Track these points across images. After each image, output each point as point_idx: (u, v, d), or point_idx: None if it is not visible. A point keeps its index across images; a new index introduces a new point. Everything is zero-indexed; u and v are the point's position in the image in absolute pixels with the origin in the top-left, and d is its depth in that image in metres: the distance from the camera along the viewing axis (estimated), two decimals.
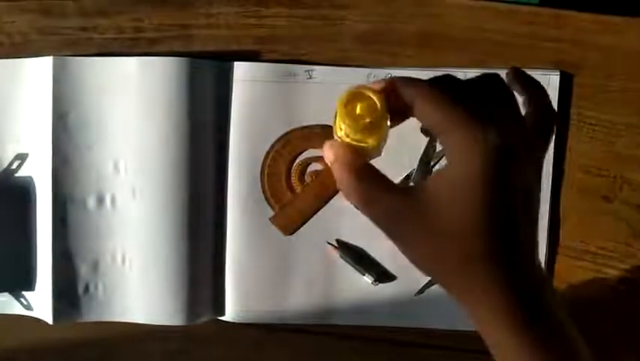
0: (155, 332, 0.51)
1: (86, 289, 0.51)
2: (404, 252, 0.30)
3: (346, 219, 0.51)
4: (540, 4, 0.50)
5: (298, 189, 0.51)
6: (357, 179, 0.29)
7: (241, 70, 0.51)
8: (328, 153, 0.31)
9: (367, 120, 0.30)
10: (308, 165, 0.51)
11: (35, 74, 0.50)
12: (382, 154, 0.34)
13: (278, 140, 0.51)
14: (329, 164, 0.31)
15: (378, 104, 0.30)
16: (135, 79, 0.49)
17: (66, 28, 0.51)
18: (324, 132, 0.51)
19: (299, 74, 0.51)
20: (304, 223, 0.51)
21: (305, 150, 0.51)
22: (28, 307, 0.52)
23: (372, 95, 0.30)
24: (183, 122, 0.49)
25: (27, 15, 0.51)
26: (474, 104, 0.27)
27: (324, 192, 0.51)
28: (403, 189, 0.29)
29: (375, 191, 0.29)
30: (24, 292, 0.52)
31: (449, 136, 0.27)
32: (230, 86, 0.51)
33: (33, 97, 0.51)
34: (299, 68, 0.50)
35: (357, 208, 0.31)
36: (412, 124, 0.32)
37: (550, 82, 0.50)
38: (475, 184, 0.26)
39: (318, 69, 0.51)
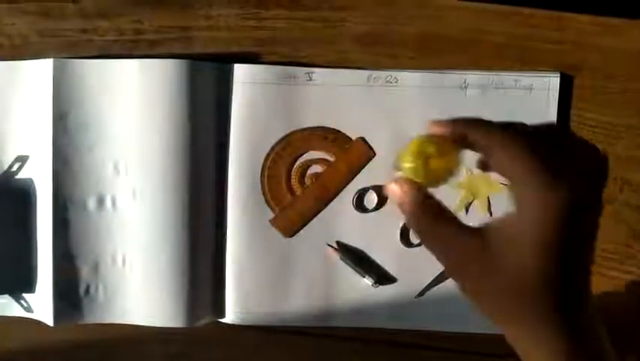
0: (156, 334, 0.51)
1: (87, 290, 0.51)
2: (465, 290, 0.30)
3: (346, 221, 0.51)
4: (540, 6, 0.50)
5: (298, 191, 0.51)
6: (431, 217, 0.30)
7: (241, 72, 0.51)
8: (395, 191, 0.30)
9: (441, 178, 0.30)
10: (308, 167, 0.51)
11: (36, 76, 0.50)
12: None
13: (278, 142, 0.51)
14: (395, 201, 0.30)
15: (456, 165, 0.30)
16: (135, 81, 0.49)
17: (66, 30, 0.51)
18: (325, 134, 0.51)
19: (299, 76, 0.51)
20: (304, 225, 0.51)
21: (305, 152, 0.51)
22: (28, 309, 0.52)
23: (451, 153, 0.30)
24: (183, 124, 0.49)
25: (27, 17, 0.51)
26: (547, 155, 0.28)
27: (324, 194, 0.51)
28: (471, 229, 0.29)
29: (445, 228, 0.29)
30: (24, 294, 0.52)
31: (524, 186, 0.27)
32: (230, 88, 0.51)
33: (33, 99, 0.51)
34: (299, 70, 0.50)
35: (424, 243, 0.31)
36: None
37: (550, 83, 0.50)
38: (546, 233, 0.27)
39: (318, 71, 0.51)
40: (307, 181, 0.51)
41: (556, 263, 0.27)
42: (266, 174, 0.51)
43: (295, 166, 0.51)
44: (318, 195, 0.51)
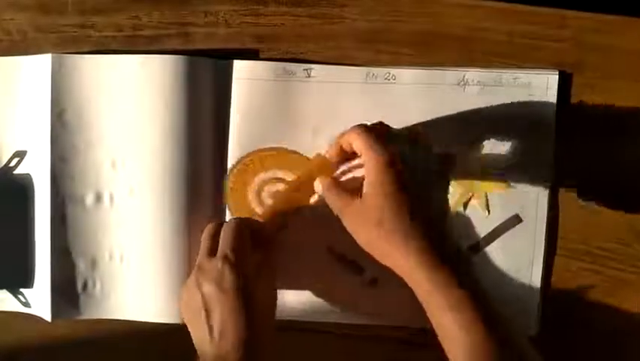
0: (153, 330, 0.51)
1: (84, 286, 0.51)
2: (354, 233, 0.45)
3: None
4: (540, 3, 0.50)
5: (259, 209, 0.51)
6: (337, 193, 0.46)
7: (240, 68, 0.50)
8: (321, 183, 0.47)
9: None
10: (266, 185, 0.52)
11: (34, 71, 0.50)
12: None
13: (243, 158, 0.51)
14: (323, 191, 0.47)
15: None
16: (134, 77, 0.49)
17: (65, 25, 0.51)
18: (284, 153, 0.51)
19: (298, 73, 0.51)
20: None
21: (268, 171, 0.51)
22: (26, 304, 0.52)
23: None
24: (181, 121, 0.49)
25: (26, 12, 0.51)
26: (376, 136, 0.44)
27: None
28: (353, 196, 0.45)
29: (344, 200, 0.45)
30: (22, 289, 0.52)
31: (368, 155, 0.43)
32: (229, 85, 0.51)
33: (31, 95, 0.51)
34: (298, 67, 0.50)
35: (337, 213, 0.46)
36: None
37: (549, 81, 0.50)
38: (383, 176, 0.43)
39: (317, 68, 0.50)
40: (267, 200, 0.51)
41: (398, 193, 0.42)
42: (230, 189, 0.51)
43: (255, 184, 0.51)
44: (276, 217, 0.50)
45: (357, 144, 0.43)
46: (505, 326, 0.41)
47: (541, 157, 0.51)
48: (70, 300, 0.51)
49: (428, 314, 0.43)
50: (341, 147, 0.45)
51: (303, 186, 0.48)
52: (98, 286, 0.51)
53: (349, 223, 0.45)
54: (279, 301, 0.48)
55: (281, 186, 0.51)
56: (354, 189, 0.45)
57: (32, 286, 0.52)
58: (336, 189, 0.46)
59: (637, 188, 0.52)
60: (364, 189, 0.43)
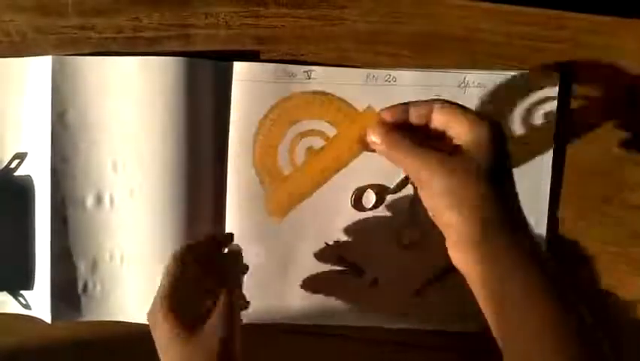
0: None
1: (85, 288, 0.51)
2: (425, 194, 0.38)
3: (344, 220, 0.51)
4: (540, 5, 0.50)
5: (291, 167, 0.49)
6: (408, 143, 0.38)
7: (240, 70, 0.50)
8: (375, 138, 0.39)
9: None
10: (302, 139, 0.50)
11: (34, 73, 0.50)
12: None
13: (273, 107, 0.50)
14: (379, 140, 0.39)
15: None
16: (134, 79, 0.49)
17: (65, 27, 0.51)
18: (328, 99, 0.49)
19: (298, 75, 0.51)
20: (296, 204, 0.50)
21: (301, 120, 0.49)
22: (26, 306, 0.52)
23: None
24: (182, 122, 0.49)
25: (25, 14, 0.51)
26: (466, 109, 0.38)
27: (321, 176, 0.48)
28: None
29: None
30: (23, 291, 0.52)
31: (465, 124, 0.37)
32: (229, 86, 0.51)
33: (32, 96, 0.51)
34: (298, 69, 0.50)
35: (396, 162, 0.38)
36: None
37: (550, 83, 0.50)
38: (489, 142, 0.37)
39: (317, 69, 0.50)
40: (303, 155, 0.49)
41: (493, 157, 0.36)
42: (258, 144, 0.50)
43: (290, 137, 0.50)
44: (315, 176, 0.49)
45: (444, 113, 0.38)
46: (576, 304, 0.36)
47: (542, 158, 0.51)
48: (70, 302, 0.51)
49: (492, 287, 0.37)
50: (407, 111, 0.39)
51: (344, 142, 0.44)
52: (98, 287, 0.51)
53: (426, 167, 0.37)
54: (280, 303, 0.48)
55: (318, 142, 0.49)
56: None
57: (32, 288, 0.52)
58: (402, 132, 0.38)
59: (637, 187, 0.52)
60: (464, 146, 0.37)
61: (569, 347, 0.35)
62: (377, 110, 0.39)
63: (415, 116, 0.38)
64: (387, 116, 0.39)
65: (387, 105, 0.39)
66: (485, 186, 0.36)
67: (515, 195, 0.39)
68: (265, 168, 0.51)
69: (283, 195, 0.51)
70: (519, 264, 0.36)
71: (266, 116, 0.50)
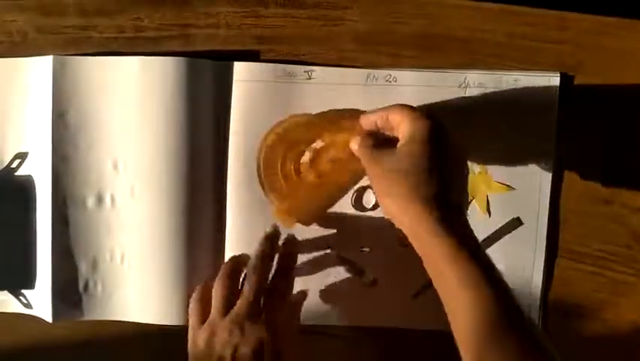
0: (154, 331, 0.51)
1: (86, 287, 0.51)
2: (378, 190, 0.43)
3: (344, 220, 0.51)
4: (541, 5, 0.50)
5: (304, 176, 0.49)
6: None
7: (241, 70, 0.50)
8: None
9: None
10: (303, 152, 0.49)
11: (35, 73, 0.50)
12: None
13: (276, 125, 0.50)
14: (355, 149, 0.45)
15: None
16: (135, 78, 0.50)
17: (66, 27, 0.51)
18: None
19: (298, 75, 0.51)
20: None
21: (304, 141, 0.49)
22: (27, 305, 0.53)
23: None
24: (182, 122, 0.49)
25: (27, 14, 0.51)
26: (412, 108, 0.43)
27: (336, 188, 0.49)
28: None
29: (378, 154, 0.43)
30: (24, 291, 0.52)
31: (409, 121, 0.42)
32: (229, 86, 0.51)
33: (33, 96, 0.51)
34: (298, 69, 0.50)
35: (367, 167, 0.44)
36: None
37: (551, 83, 0.50)
38: (427, 138, 0.41)
39: (317, 69, 0.50)
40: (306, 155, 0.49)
41: (431, 157, 0.40)
42: (259, 143, 0.50)
43: (293, 152, 0.50)
44: (331, 186, 0.48)
45: (394, 113, 0.43)
46: (509, 291, 0.40)
47: (543, 159, 0.51)
48: (71, 301, 0.51)
49: (430, 269, 0.42)
50: (374, 120, 0.45)
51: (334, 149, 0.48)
52: (99, 287, 0.52)
53: (377, 172, 0.43)
54: None
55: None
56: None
57: (34, 288, 0.52)
58: (371, 140, 0.44)
59: (638, 188, 0.52)
60: (401, 142, 0.42)
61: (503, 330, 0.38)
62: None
63: (379, 123, 0.44)
64: (365, 126, 0.45)
65: (387, 105, 0.43)
66: (420, 173, 0.41)
67: (457, 180, 0.43)
68: (267, 166, 0.50)
69: (296, 204, 0.49)
70: (448, 243, 0.40)
71: (266, 117, 0.50)
